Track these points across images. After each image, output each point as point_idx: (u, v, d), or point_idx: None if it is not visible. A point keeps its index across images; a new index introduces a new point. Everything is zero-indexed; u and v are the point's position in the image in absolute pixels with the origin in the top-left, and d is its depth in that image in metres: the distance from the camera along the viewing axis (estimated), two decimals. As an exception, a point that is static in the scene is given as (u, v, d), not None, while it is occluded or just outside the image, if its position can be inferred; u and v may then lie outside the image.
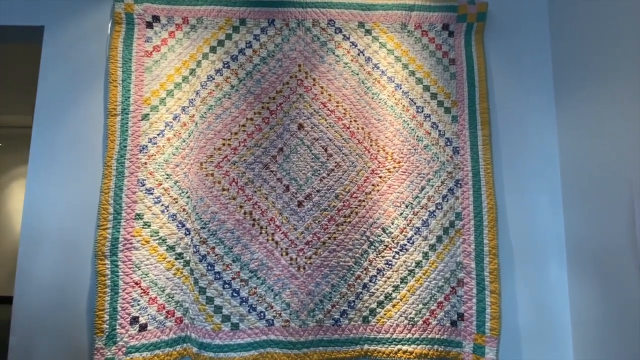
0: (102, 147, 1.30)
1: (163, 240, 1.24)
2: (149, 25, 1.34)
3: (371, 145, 1.33)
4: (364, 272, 1.28)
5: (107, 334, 1.16)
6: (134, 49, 1.31)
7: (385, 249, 1.28)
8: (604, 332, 1.16)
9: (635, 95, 1.06)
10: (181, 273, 1.25)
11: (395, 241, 1.29)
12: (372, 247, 1.29)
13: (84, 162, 1.30)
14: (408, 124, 1.34)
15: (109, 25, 1.35)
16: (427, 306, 1.26)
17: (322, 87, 1.35)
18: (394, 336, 1.24)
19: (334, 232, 1.28)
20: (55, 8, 1.37)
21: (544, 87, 1.43)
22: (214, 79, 1.33)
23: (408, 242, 1.29)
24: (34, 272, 1.24)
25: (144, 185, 1.25)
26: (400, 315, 1.26)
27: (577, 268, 1.29)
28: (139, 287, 1.20)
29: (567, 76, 1.36)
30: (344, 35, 1.38)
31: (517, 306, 1.32)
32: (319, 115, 1.34)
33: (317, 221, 1.28)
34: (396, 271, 1.27)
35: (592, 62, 1.23)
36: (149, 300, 1.20)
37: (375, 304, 1.26)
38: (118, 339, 1.16)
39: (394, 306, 1.26)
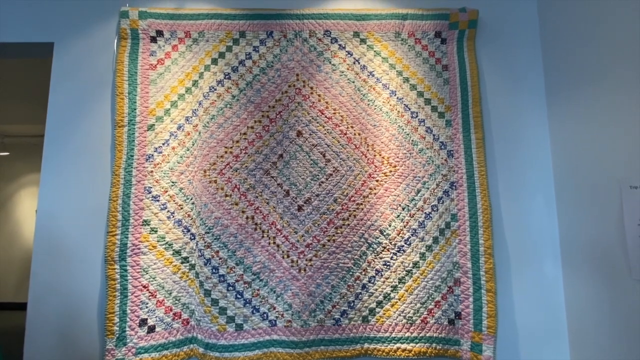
0: (110, 156, 1.36)
1: (169, 245, 1.29)
2: (153, 39, 1.40)
3: (368, 150, 1.38)
4: (363, 273, 1.32)
5: (117, 335, 1.21)
6: (139, 62, 1.37)
7: (383, 251, 1.32)
8: (600, 329, 1.19)
9: (624, 97, 1.10)
10: (187, 276, 1.30)
11: (393, 243, 1.32)
12: (371, 248, 1.33)
13: (93, 171, 1.35)
14: (403, 129, 1.39)
15: (115, 40, 1.41)
16: (424, 305, 1.30)
17: (319, 95, 1.40)
18: (393, 335, 1.28)
19: (333, 235, 1.32)
20: (64, 25, 1.43)
21: (536, 90, 1.46)
22: (215, 89, 1.38)
23: (405, 243, 1.33)
24: (46, 278, 1.30)
25: (150, 192, 1.31)
26: (399, 315, 1.29)
27: (572, 266, 1.32)
28: (147, 290, 1.25)
29: (558, 79, 1.39)
30: (339, 45, 1.43)
31: (513, 304, 1.35)
32: (317, 122, 1.38)
33: (316, 224, 1.33)
34: (394, 272, 1.31)
35: (583, 65, 1.26)
36: (156, 303, 1.25)
37: (375, 304, 1.30)
38: (128, 340, 1.21)
39: (392, 306, 1.30)
